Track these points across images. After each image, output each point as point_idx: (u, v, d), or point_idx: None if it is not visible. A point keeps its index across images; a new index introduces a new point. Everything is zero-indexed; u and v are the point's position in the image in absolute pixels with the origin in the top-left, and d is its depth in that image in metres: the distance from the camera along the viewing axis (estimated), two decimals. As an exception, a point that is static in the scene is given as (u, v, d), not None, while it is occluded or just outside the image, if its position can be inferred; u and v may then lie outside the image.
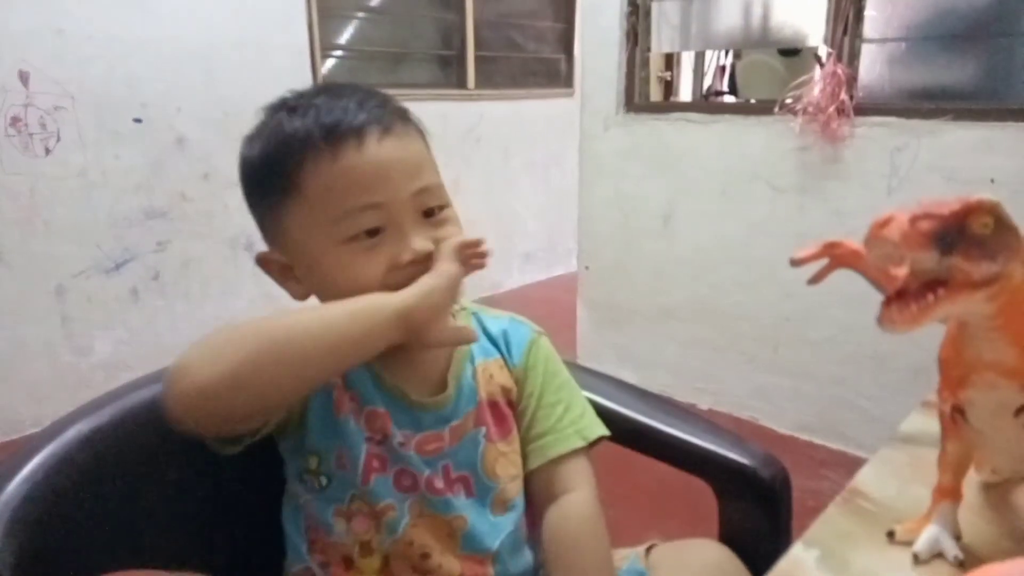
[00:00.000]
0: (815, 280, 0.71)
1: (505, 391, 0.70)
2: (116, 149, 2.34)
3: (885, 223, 0.42)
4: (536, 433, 0.70)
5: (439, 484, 0.65)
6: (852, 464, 2.02)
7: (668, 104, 2.57)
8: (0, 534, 0.56)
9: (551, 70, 4.07)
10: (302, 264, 0.62)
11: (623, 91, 2.42)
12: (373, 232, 0.59)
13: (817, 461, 2.07)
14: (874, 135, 1.94)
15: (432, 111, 3.51)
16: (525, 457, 0.70)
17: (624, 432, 0.81)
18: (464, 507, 0.65)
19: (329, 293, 0.62)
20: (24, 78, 2.17)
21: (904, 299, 0.44)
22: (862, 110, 1.95)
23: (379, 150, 0.59)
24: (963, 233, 0.42)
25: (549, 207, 4.01)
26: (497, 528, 0.67)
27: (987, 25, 1.97)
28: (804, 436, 2.22)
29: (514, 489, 0.69)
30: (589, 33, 2.52)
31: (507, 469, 0.68)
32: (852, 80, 1.96)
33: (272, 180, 0.61)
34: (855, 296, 2.07)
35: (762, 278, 2.20)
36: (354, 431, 0.64)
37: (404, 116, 0.65)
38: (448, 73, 3.53)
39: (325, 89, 0.64)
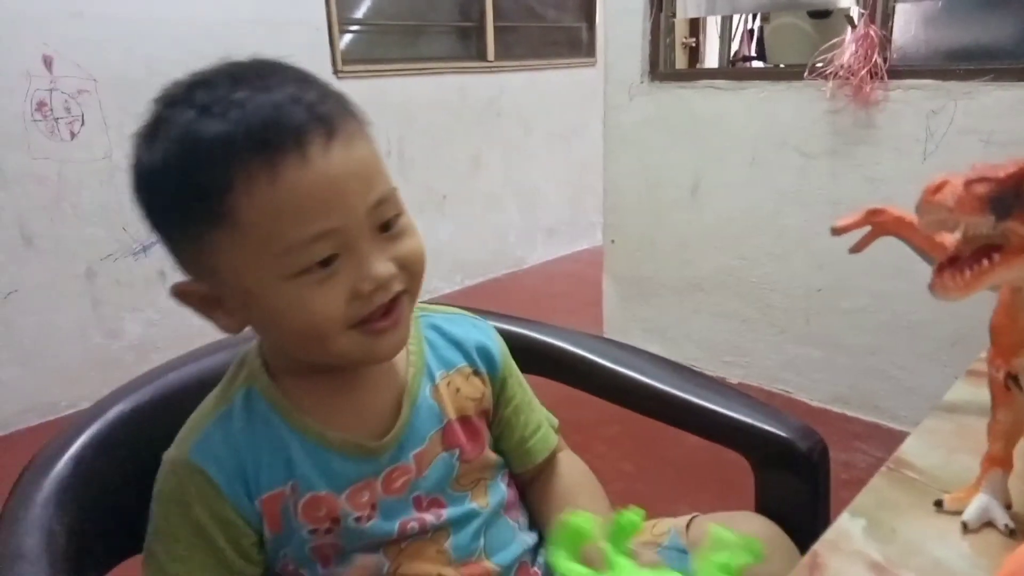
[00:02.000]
0: (857, 248, 0.69)
1: (476, 403, 0.65)
2: (139, 131, 2.37)
3: (938, 188, 0.41)
4: (531, 431, 0.69)
5: (413, 524, 0.60)
6: (886, 436, 2.01)
7: (694, 71, 2.51)
8: (52, 511, 0.58)
9: (572, 39, 4.00)
10: (236, 299, 0.52)
11: (647, 59, 2.37)
12: (326, 262, 0.49)
13: (851, 434, 2.05)
14: (908, 98, 1.88)
15: (452, 84, 3.52)
16: (525, 454, 0.69)
17: (659, 405, 0.81)
18: (443, 522, 0.61)
19: (277, 331, 0.54)
20: (48, 62, 2.19)
21: (957, 265, 0.42)
22: (896, 73, 1.90)
23: (327, 163, 0.48)
24: (1020, 196, 0.40)
25: (572, 180, 3.98)
26: (479, 525, 0.63)
27: (1027, -20, 1.89)
28: (837, 408, 2.19)
29: (483, 487, 0.65)
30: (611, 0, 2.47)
31: (470, 476, 0.64)
32: (885, 42, 1.90)
33: (190, 205, 0.49)
34: (888, 265, 2.04)
35: (793, 248, 2.17)
36: (294, 531, 0.57)
37: (346, 107, 0.53)
38: (467, 45, 3.49)
39: (240, 77, 0.50)
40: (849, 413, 2.17)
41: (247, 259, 0.49)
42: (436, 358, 0.64)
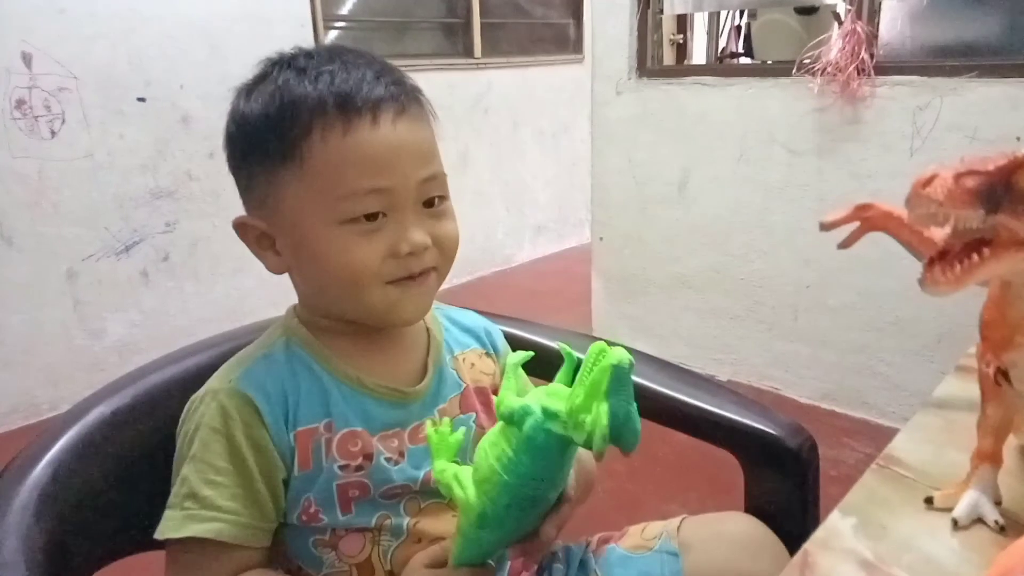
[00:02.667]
0: (847, 244, 0.69)
1: (490, 377, 0.71)
2: (121, 129, 2.33)
3: (928, 181, 0.40)
4: None
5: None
6: (874, 432, 2.02)
7: (682, 68, 2.51)
8: (30, 516, 0.57)
9: (559, 36, 4.00)
10: (288, 238, 0.59)
11: (635, 55, 2.37)
12: (373, 217, 0.56)
13: (839, 430, 2.06)
14: (895, 94, 1.89)
15: (439, 81, 3.50)
16: None
17: (648, 404, 0.79)
18: None
19: (315, 274, 0.60)
20: (27, 59, 2.15)
21: (947, 259, 0.42)
22: (883, 69, 1.90)
23: (393, 131, 0.56)
24: (1010, 189, 0.40)
25: (560, 177, 3.97)
26: None
27: (1012, -23, 1.90)
28: (825, 405, 2.20)
29: None
30: (599, -3, 2.46)
31: None
32: (872, 38, 1.91)
33: (271, 144, 0.56)
34: (875, 261, 2.04)
35: (780, 244, 2.18)
36: (324, 469, 0.59)
37: (418, 97, 0.61)
38: (454, 42, 3.48)
39: (337, 54, 0.59)
40: (838, 409, 2.18)
41: (308, 199, 0.56)
42: (454, 340, 0.71)
